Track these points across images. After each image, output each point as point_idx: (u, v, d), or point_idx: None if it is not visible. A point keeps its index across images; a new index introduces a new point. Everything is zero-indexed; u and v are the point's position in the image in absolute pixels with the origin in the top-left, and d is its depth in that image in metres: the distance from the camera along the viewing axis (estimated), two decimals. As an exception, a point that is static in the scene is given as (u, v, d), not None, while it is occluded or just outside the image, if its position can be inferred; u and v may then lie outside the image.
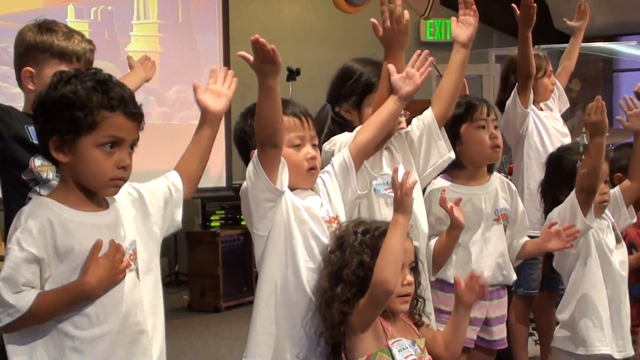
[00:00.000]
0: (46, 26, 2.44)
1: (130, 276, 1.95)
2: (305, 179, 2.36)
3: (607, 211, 3.19)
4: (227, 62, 7.09)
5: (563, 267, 3.19)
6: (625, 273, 3.17)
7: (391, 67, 2.52)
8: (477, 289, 2.37)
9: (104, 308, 1.89)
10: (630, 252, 3.46)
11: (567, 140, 4.09)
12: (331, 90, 2.82)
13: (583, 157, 3.02)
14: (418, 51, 2.55)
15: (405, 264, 2.25)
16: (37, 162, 2.30)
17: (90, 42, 2.50)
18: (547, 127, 4.07)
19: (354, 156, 2.44)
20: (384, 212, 2.51)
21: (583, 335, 3.06)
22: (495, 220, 3.07)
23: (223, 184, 6.97)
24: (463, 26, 2.74)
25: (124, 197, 2.05)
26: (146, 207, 2.09)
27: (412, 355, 2.21)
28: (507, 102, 3.92)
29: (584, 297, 3.08)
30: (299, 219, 2.29)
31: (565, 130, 4.19)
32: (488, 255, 3.03)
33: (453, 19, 2.75)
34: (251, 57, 2.11)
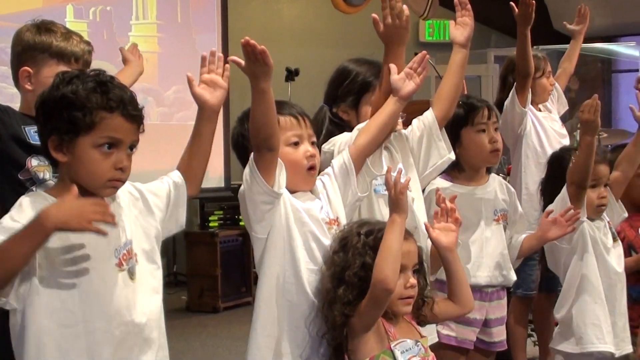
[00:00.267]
0: (45, 26, 2.44)
1: (121, 275, 1.93)
2: (304, 179, 2.35)
3: None
4: (225, 62, 7.09)
5: (557, 266, 3.19)
6: (620, 270, 3.17)
7: (392, 66, 2.51)
8: (453, 224, 2.36)
9: (90, 305, 1.88)
10: (629, 254, 3.47)
11: (566, 140, 4.09)
12: (328, 91, 2.82)
13: (577, 152, 3.04)
14: (420, 54, 2.54)
15: (409, 266, 2.24)
16: (33, 162, 2.30)
17: (88, 43, 2.50)
18: (545, 127, 4.07)
19: (354, 158, 2.44)
20: (384, 212, 2.50)
21: (581, 333, 3.06)
22: (495, 220, 3.07)
23: (222, 184, 6.97)
24: (460, 27, 2.74)
25: (125, 198, 2.04)
26: (149, 207, 2.08)
27: (415, 356, 2.21)
28: (506, 102, 3.92)
29: (581, 295, 3.08)
30: (299, 221, 2.29)
31: (564, 131, 4.19)
32: (488, 254, 3.03)
33: (452, 22, 2.77)
34: (242, 62, 2.10)
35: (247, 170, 2.23)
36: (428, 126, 2.70)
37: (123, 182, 1.95)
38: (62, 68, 2.36)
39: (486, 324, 3.06)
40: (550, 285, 4.05)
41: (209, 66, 2.18)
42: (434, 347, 2.40)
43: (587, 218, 3.10)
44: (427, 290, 2.35)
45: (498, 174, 3.30)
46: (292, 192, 2.32)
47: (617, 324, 3.12)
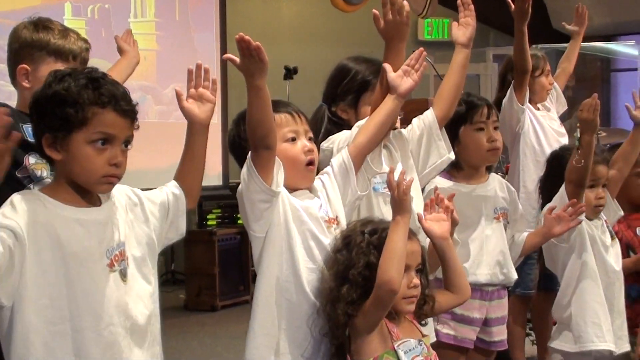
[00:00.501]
0: (42, 24, 2.43)
1: (112, 276, 1.92)
2: (303, 175, 2.35)
3: None
4: (224, 61, 7.06)
5: (555, 264, 3.19)
6: (618, 268, 3.17)
7: (387, 66, 2.51)
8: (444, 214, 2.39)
9: (78, 304, 1.87)
10: (626, 254, 3.47)
11: (564, 140, 4.09)
12: (327, 90, 2.81)
13: (577, 151, 3.04)
14: (417, 51, 2.54)
15: (412, 265, 2.24)
16: (31, 160, 2.29)
17: (86, 41, 2.49)
18: (543, 126, 4.07)
19: (353, 157, 2.43)
20: (383, 210, 2.50)
21: (580, 331, 3.06)
22: (495, 218, 3.07)
23: (220, 183, 6.97)
24: (462, 27, 2.74)
25: (122, 199, 2.04)
26: (146, 214, 2.07)
27: (418, 356, 2.21)
28: (504, 100, 3.92)
29: (580, 293, 3.08)
30: (297, 220, 2.28)
31: (562, 130, 4.19)
32: (488, 253, 3.03)
33: (454, 22, 2.76)
34: (237, 59, 2.09)
35: (244, 169, 2.22)
36: (428, 125, 2.70)
37: (119, 177, 1.95)
38: (60, 66, 2.36)
39: (486, 323, 3.05)
40: (549, 284, 4.05)
41: (195, 80, 2.15)
42: (433, 347, 2.40)
43: (585, 217, 3.10)
44: (428, 289, 2.35)
45: (497, 173, 3.30)
46: (291, 190, 2.32)
47: (615, 323, 3.12)
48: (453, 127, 2.91)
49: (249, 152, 2.21)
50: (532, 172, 3.95)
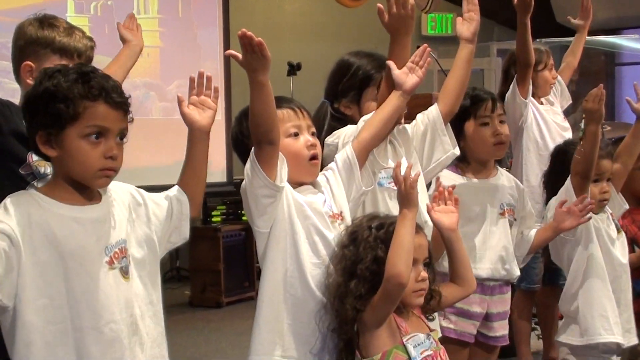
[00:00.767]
0: (47, 21, 2.43)
1: (111, 274, 1.92)
2: (307, 169, 2.35)
3: None
4: (227, 57, 7.06)
5: (561, 258, 3.19)
6: (625, 261, 3.17)
7: (390, 63, 2.50)
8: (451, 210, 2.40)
9: (77, 303, 1.87)
10: (632, 249, 3.46)
11: (568, 134, 4.08)
12: (328, 86, 2.80)
13: (581, 142, 3.03)
14: (421, 47, 2.53)
15: (420, 259, 2.25)
16: (34, 157, 2.29)
17: (91, 39, 2.49)
18: (546, 120, 4.06)
19: (357, 153, 2.42)
20: (389, 204, 2.50)
21: (587, 324, 3.05)
22: (500, 214, 3.06)
23: (224, 179, 6.97)
24: (467, 22, 2.73)
25: (125, 198, 2.03)
26: (148, 215, 2.07)
27: (427, 350, 2.21)
28: (507, 94, 3.91)
29: (587, 286, 3.07)
30: (301, 215, 2.28)
31: (566, 124, 4.18)
32: (490, 247, 3.02)
33: (458, 17, 2.75)
34: (240, 55, 2.09)
35: (248, 164, 2.23)
36: (432, 121, 2.69)
37: (115, 171, 1.94)
38: (65, 63, 2.36)
39: (487, 317, 3.05)
40: (554, 278, 4.05)
41: (197, 88, 2.15)
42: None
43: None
44: (435, 284, 2.35)
45: (502, 167, 3.29)
46: (295, 185, 2.32)
47: (622, 316, 3.11)
48: (458, 121, 2.91)
49: (252, 148, 2.21)
50: (535, 166, 3.94)
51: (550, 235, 3.08)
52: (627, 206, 3.35)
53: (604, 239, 3.12)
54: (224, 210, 6.93)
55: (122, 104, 1.92)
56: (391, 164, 2.55)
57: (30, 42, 2.40)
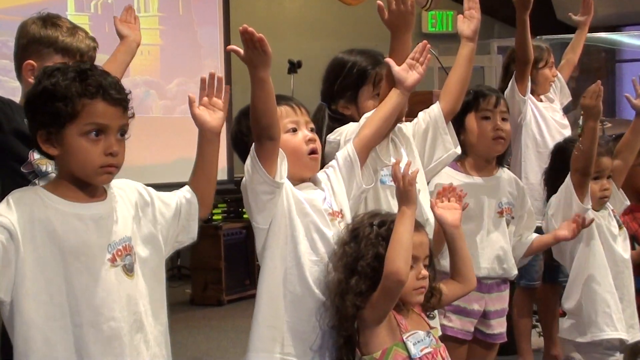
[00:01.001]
0: (51, 20, 2.44)
1: (113, 271, 1.92)
2: (307, 164, 2.35)
3: None
4: (227, 55, 7.07)
5: (563, 255, 3.19)
6: (627, 256, 3.17)
7: (390, 60, 2.49)
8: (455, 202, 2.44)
9: (77, 299, 1.87)
10: (632, 246, 3.46)
11: (567, 131, 4.08)
12: (324, 88, 2.78)
13: (580, 138, 3.04)
14: (421, 43, 2.52)
15: (421, 257, 2.26)
16: (36, 155, 2.30)
17: (93, 39, 2.50)
18: (545, 117, 4.06)
19: (358, 150, 2.42)
20: (391, 203, 2.50)
21: (591, 321, 3.05)
22: (498, 213, 3.06)
23: (225, 177, 6.96)
24: (467, 20, 2.73)
25: (132, 196, 2.04)
26: (155, 214, 2.07)
27: (427, 347, 2.21)
28: (505, 91, 3.90)
29: (590, 282, 3.08)
30: (301, 212, 2.28)
31: (565, 121, 4.18)
32: (488, 246, 3.03)
33: (460, 16, 2.75)
34: (241, 51, 2.10)
35: (248, 160, 2.23)
36: (434, 119, 2.69)
37: (117, 167, 1.94)
38: (65, 62, 2.36)
39: (485, 315, 3.05)
40: (554, 275, 4.05)
41: (208, 89, 2.15)
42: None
43: (591, 209, 3.09)
44: (435, 282, 2.36)
45: (503, 165, 3.29)
46: (295, 182, 2.32)
47: (626, 312, 3.11)
48: (460, 114, 2.90)
49: (253, 144, 2.21)
50: (534, 163, 3.94)
51: (550, 241, 3.09)
52: (628, 202, 3.35)
53: (606, 235, 3.12)
54: (225, 209, 6.92)
55: (120, 101, 1.92)
56: (393, 161, 2.55)
57: (33, 41, 2.40)
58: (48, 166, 2.30)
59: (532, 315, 4.37)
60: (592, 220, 3.01)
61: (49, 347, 1.85)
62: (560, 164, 3.20)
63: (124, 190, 2.02)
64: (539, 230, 3.26)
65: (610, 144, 3.40)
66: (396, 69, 2.47)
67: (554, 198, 3.15)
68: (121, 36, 2.82)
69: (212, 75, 2.14)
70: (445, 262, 2.87)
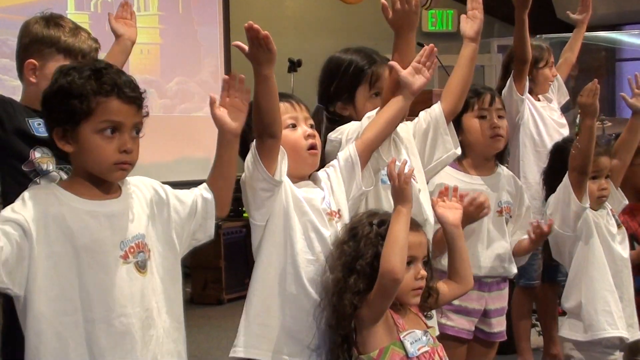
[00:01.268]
0: (54, 20, 2.44)
1: (125, 268, 1.94)
2: (306, 160, 2.35)
3: None
4: (227, 54, 7.08)
5: (562, 255, 3.19)
6: (626, 255, 3.17)
7: (394, 64, 2.47)
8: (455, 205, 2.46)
9: (89, 295, 1.90)
10: (632, 246, 3.47)
11: (565, 130, 4.08)
12: (321, 90, 2.76)
13: (577, 137, 3.04)
14: (428, 47, 2.50)
15: (419, 257, 2.26)
16: (37, 154, 2.31)
17: (96, 40, 2.50)
18: (543, 116, 4.06)
19: (360, 152, 2.42)
20: (391, 203, 2.49)
21: (591, 320, 3.05)
22: (498, 212, 3.06)
23: (225, 176, 6.96)
24: (470, 21, 2.72)
25: (147, 193, 2.06)
26: (169, 212, 2.09)
27: (424, 346, 2.22)
28: (503, 90, 3.90)
29: (589, 281, 3.08)
30: (299, 210, 2.28)
31: (563, 121, 4.18)
32: (488, 245, 3.03)
33: (463, 16, 2.74)
34: (246, 47, 2.10)
35: (249, 157, 2.23)
36: (435, 119, 2.69)
37: (131, 164, 1.97)
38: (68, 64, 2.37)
39: (485, 314, 3.05)
40: (553, 275, 4.05)
41: (230, 90, 2.14)
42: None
43: (590, 208, 3.09)
44: (433, 282, 2.36)
45: (502, 164, 3.29)
46: (294, 179, 2.32)
47: (625, 310, 3.11)
48: (456, 115, 2.90)
49: (254, 141, 2.21)
50: (532, 163, 3.94)
51: (528, 247, 3.08)
52: (626, 202, 3.35)
53: (604, 235, 3.12)
54: (225, 207, 6.91)
55: (135, 99, 1.95)
56: (397, 163, 2.55)
57: (36, 41, 2.41)
58: (49, 165, 2.31)
59: (532, 314, 4.37)
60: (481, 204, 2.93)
61: (60, 342, 1.88)
62: (559, 164, 3.20)
63: (139, 188, 2.05)
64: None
65: (612, 141, 3.40)
66: (402, 73, 2.44)
67: (552, 197, 3.15)
68: (116, 35, 2.80)
69: (233, 77, 2.14)
70: (444, 262, 2.87)
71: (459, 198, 2.49)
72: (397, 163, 2.31)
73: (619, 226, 3.22)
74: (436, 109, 2.70)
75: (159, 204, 2.07)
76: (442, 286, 2.42)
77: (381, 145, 2.48)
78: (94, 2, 6.11)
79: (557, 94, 4.28)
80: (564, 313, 3.26)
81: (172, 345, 2.04)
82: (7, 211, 1.88)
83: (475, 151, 3.05)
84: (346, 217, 2.38)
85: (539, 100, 4.12)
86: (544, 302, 4.25)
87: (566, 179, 3.05)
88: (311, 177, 2.42)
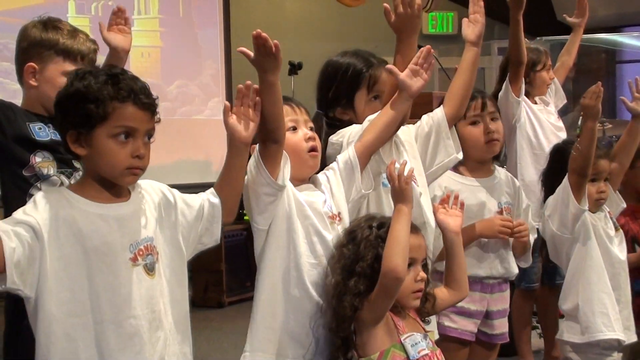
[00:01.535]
0: (52, 24, 2.45)
1: (135, 270, 1.96)
2: (306, 162, 2.35)
3: None
4: (228, 57, 7.09)
5: (559, 256, 3.19)
6: (623, 258, 3.17)
7: (392, 67, 2.47)
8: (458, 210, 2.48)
9: (99, 297, 1.92)
10: (632, 248, 3.47)
11: (562, 134, 4.08)
12: (319, 96, 2.76)
13: (578, 139, 3.04)
14: (424, 48, 2.51)
15: (419, 259, 2.26)
16: (37, 159, 2.31)
17: (94, 42, 2.51)
18: (540, 119, 4.06)
19: (359, 155, 2.42)
20: (392, 206, 2.49)
21: (588, 322, 3.05)
22: (498, 212, 3.06)
23: (225, 178, 6.96)
24: (472, 25, 2.72)
25: (155, 196, 2.08)
26: (176, 216, 2.11)
27: (424, 349, 2.22)
28: (500, 93, 3.90)
29: (586, 283, 3.08)
30: (301, 215, 2.29)
31: (561, 124, 4.18)
32: (489, 246, 3.03)
33: (464, 19, 2.75)
34: (251, 53, 2.11)
35: (251, 161, 2.24)
36: (437, 123, 2.69)
37: (142, 169, 1.99)
38: (68, 65, 2.40)
39: (487, 315, 3.05)
40: (552, 277, 4.05)
41: (243, 99, 2.16)
42: (436, 341, 2.40)
43: (588, 210, 3.09)
44: (430, 286, 2.37)
45: (502, 166, 3.29)
46: (296, 182, 2.33)
47: (622, 313, 3.12)
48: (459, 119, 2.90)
49: (257, 146, 2.22)
50: (529, 165, 3.95)
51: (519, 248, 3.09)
52: (624, 205, 3.36)
53: (602, 237, 3.12)
54: (226, 210, 6.91)
55: (149, 105, 1.98)
56: (396, 164, 2.55)
57: (34, 44, 2.41)
58: (50, 169, 2.32)
59: (532, 316, 4.37)
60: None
61: (70, 343, 1.90)
62: (558, 165, 3.20)
63: (148, 192, 2.07)
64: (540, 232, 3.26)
65: (613, 144, 3.40)
66: (400, 76, 2.45)
67: (551, 199, 3.15)
68: (110, 46, 2.58)
69: (247, 86, 2.16)
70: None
71: (461, 206, 2.51)
72: (397, 164, 2.31)
73: (616, 229, 3.23)
74: (438, 113, 2.70)
75: (167, 208, 2.09)
76: (440, 292, 2.42)
77: (382, 148, 2.48)
78: (95, 5, 6.11)
79: (555, 97, 4.28)
80: (564, 315, 3.26)
81: (177, 347, 2.07)
82: (19, 213, 1.90)
83: (472, 157, 3.05)
84: (346, 220, 2.38)
85: (535, 103, 4.12)
86: (544, 305, 4.25)
87: (565, 181, 3.05)
88: (311, 180, 2.42)
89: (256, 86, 2.16)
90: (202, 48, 7.07)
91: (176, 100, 6.79)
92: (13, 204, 2.09)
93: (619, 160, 3.31)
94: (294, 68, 6.76)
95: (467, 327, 3.00)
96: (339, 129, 2.64)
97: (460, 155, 2.74)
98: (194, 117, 6.83)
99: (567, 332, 3.13)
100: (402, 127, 2.61)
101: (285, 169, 2.24)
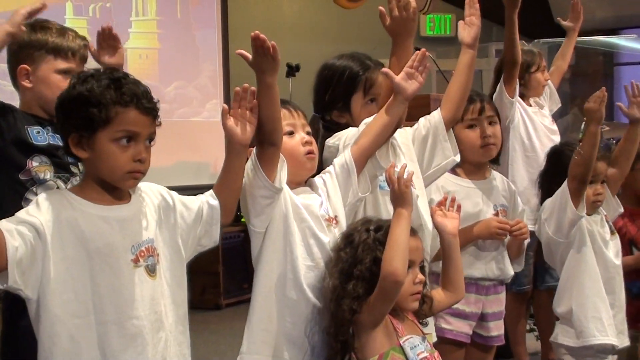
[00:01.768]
0: (39, 25, 2.47)
1: (137, 271, 1.98)
2: (304, 165, 2.35)
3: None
4: (226, 58, 7.09)
5: (554, 259, 3.20)
6: (618, 262, 3.18)
7: (387, 70, 2.47)
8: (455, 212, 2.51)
9: (101, 298, 1.93)
10: (629, 250, 3.47)
11: (556, 137, 4.08)
12: (316, 100, 2.76)
13: (580, 143, 3.04)
14: (419, 52, 2.51)
15: (417, 262, 2.27)
16: (34, 163, 2.31)
17: (83, 38, 2.51)
18: (534, 121, 4.06)
19: (355, 158, 2.42)
20: (390, 208, 2.49)
21: (582, 326, 3.06)
22: (494, 215, 3.06)
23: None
24: (468, 27, 2.72)
25: (155, 199, 2.09)
26: (176, 218, 2.12)
27: (423, 352, 2.22)
28: (494, 94, 3.91)
29: (580, 288, 3.09)
30: (298, 217, 2.29)
31: (554, 127, 4.18)
32: (485, 248, 3.04)
33: (461, 22, 2.75)
34: (249, 56, 2.11)
35: (249, 164, 2.24)
36: (434, 126, 2.69)
37: (143, 173, 2.00)
38: (60, 63, 2.41)
39: (483, 317, 3.06)
40: (543, 279, 4.05)
41: (241, 101, 2.17)
42: (433, 343, 2.41)
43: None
44: (427, 289, 2.37)
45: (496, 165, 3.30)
46: (292, 185, 2.33)
47: (616, 317, 3.12)
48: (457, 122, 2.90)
49: (254, 148, 2.22)
50: (521, 168, 3.95)
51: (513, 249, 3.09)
52: (622, 210, 3.36)
53: (597, 241, 3.13)
54: (223, 212, 6.91)
55: (151, 110, 1.99)
56: (395, 168, 2.55)
57: (24, 46, 2.42)
58: (46, 173, 2.32)
59: (526, 318, 4.37)
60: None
61: (73, 344, 1.91)
62: (556, 167, 3.21)
63: (147, 194, 2.08)
64: (531, 235, 3.25)
65: (613, 147, 3.40)
66: (395, 79, 2.44)
67: (548, 202, 3.15)
68: (101, 64, 2.54)
69: (245, 89, 2.16)
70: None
71: (457, 208, 2.52)
72: (396, 168, 2.31)
73: (612, 233, 3.23)
74: (436, 115, 2.70)
75: (166, 210, 2.10)
76: (437, 294, 2.43)
77: (379, 151, 2.48)
78: (92, 7, 6.11)
79: (549, 101, 4.29)
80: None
81: (177, 348, 2.08)
82: (22, 213, 1.91)
83: (468, 160, 3.06)
84: (343, 223, 2.39)
85: (530, 105, 4.12)
86: (541, 307, 4.25)
87: (565, 186, 3.05)
88: (308, 183, 2.42)
89: (254, 88, 2.16)
90: (199, 50, 7.07)
91: (174, 102, 6.78)
92: (8, 208, 2.09)
93: (619, 166, 3.32)
94: (292, 70, 6.76)
95: (462, 328, 3.00)
96: (335, 132, 2.64)
97: (458, 158, 2.74)
98: (191, 119, 6.82)
99: (562, 335, 3.14)
100: (399, 130, 2.61)
101: (282, 172, 2.24)
